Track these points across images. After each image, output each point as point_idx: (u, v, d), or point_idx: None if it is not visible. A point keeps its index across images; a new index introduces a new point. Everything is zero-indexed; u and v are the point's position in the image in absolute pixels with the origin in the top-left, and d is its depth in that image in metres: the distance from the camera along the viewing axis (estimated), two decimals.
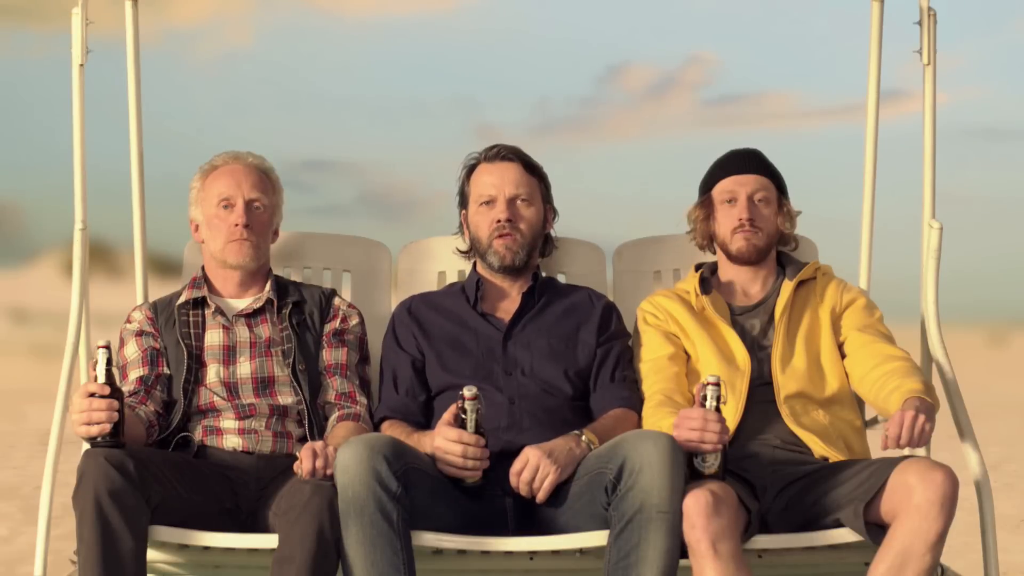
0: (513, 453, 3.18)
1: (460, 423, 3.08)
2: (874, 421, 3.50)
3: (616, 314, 3.50)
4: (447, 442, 3.08)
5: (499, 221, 3.44)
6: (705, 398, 3.03)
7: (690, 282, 3.52)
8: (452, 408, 3.09)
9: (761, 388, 3.34)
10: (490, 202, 3.46)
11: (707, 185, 3.55)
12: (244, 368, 3.40)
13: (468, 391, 3.07)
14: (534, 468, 3.09)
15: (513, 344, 3.39)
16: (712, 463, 3.02)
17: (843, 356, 3.41)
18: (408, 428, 3.30)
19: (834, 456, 3.25)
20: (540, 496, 3.09)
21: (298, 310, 3.48)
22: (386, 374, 3.43)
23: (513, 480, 3.10)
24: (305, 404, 3.38)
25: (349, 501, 2.96)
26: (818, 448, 3.26)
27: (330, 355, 3.45)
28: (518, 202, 3.47)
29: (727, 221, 3.48)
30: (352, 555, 2.96)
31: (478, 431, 3.07)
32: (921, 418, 3.02)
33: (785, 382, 3.33)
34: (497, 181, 3.47)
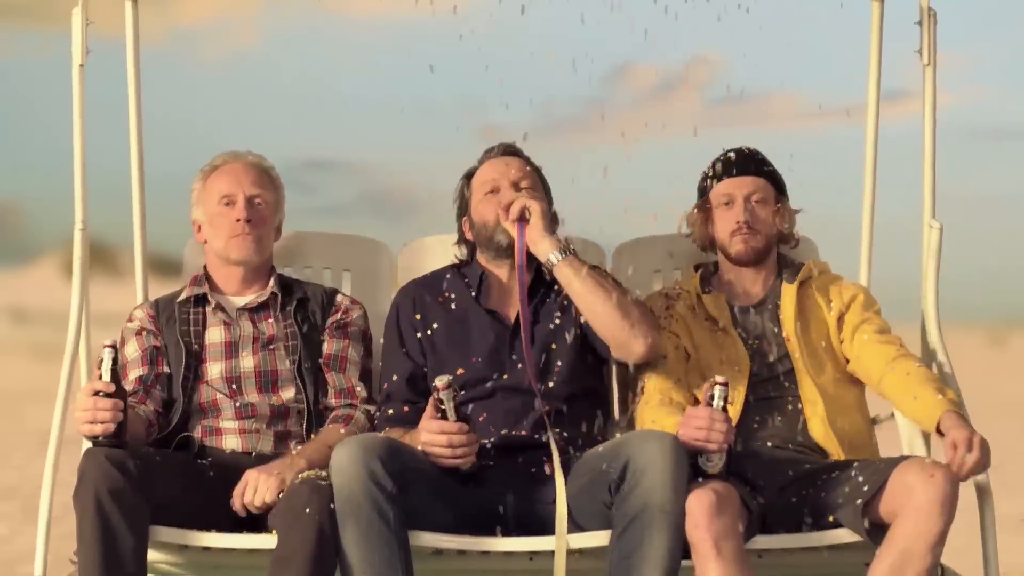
0: (512, 448, 3.20)
1: (440, 414, 3.08)
2: (874, 421, 3.50)
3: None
4: (431, 435, 3.08)
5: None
6: (712, 397, 3.03)
7: (691, 281, 3.53)
8: (431, 401, 3.09)
9: (760, 387, 3.34)
10: (494, 190, 3.41)
11: (704, 188, 3.55)
12: (247, 362, 3.40)
13: (440, 381, 3.06)
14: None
15: (519, 342, 3.36)
16: (716, 462, 3.02)
17: (849, 352, 3.42)
18: (404, 430, 3.29)
19: (855, 455, 3.25)
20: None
21: (302, 307, 3.49)
22: (386, 374, 3.41)
23: None
24: (307, 402, 3.38)
25: (345, 501, 2.96)
26: (838, 452, 3.26)
27: (330, 346, 3.45)
28: (523, 186, 3.41)
29: (725, 224, 3.48)
30: (350, 555, 2.96)
31: (459, 418, 3.07)
32: (978, 436, 3.05)
33: (810, 387, 3.32)
34: (501, 170, 3.43)
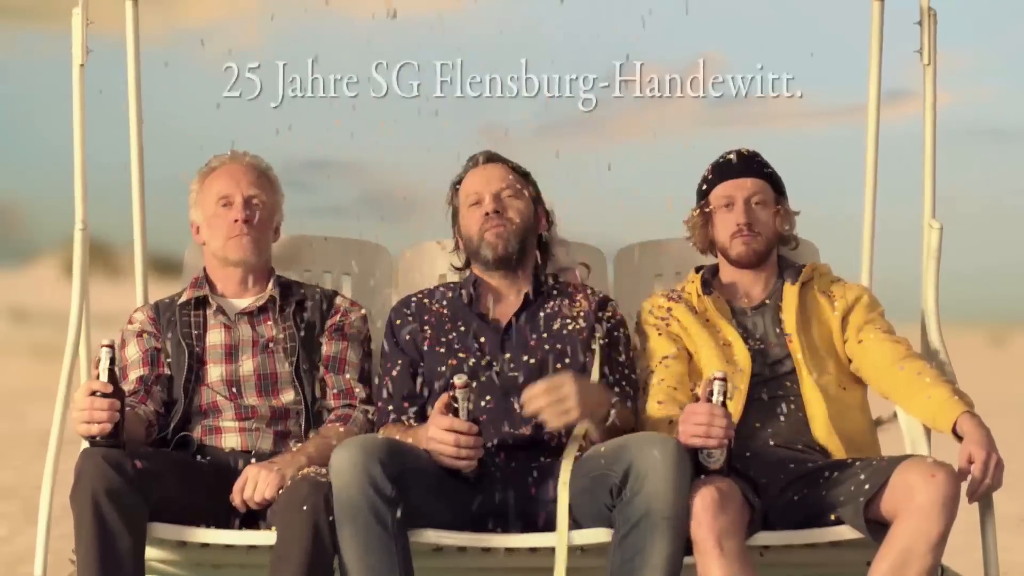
0: (511, 446, 3.20)
1: (452, 412, 3.07)
2: (877, 422, 3.50)
3: (615, 314, 3.48)
4: (439, 431, 3.07)
5: (487, 214, 3.42)
6: (711, 393, 3.03)
7: (691, 284, 3.52)
8: (443, 397, 3.09)
9: (763, 387, 3.34)
10: (478, 202, 3.45)
11: (704, 190, 3.55)
12: (246, 366, 3.40)
13: (458, 379, 3.06)
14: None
15: (511, 343, 3.37)
16: (718, 458, 3.02)
17: (853, 352, 3.42)
18: (404, 426, 3.30)
19: (858, 455, 3.26)
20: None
21: (301, 309, 3.49)
22: (384, 377, 3.42)
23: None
24: (305, 404, 3.38)
25: (343, 504, 2.95)
26: (840, 453, 3.26)
27: (329, 348, 3.45)
28: (504, 196, 3.44)
29: (725, 226, 3.48)
30: (348, 557, 2.95)
31: (470, 419, 3.07)
32: (995, 456, 3.08)
33: (812, 387, 3.32)
34: (482, 180, 3.47)
